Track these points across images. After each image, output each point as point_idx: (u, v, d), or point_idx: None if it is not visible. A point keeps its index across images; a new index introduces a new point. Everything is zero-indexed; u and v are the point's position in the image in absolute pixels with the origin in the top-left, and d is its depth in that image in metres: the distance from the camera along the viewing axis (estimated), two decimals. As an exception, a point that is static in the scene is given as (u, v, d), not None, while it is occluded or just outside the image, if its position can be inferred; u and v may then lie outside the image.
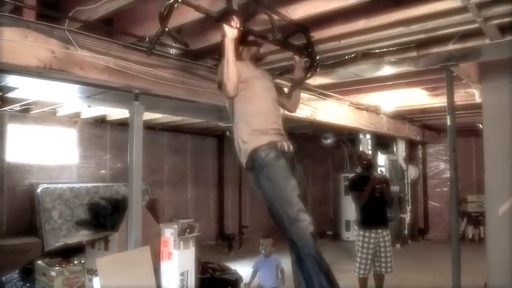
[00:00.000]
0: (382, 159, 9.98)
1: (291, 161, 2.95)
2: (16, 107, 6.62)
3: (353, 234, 7.76)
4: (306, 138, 10.64)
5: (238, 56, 3.01)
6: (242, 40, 3.02)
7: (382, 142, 9.72)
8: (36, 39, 3.36)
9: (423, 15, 3.28)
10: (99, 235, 4.14)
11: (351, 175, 6.40)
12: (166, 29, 2.53)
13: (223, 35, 2.73)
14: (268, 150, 2.83)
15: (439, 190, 10.94)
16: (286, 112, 3.55)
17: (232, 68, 2.72)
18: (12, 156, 7.18)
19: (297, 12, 3.25)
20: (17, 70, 3.55)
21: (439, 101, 6.49)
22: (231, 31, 2.72)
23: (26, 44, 3.31)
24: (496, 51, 4.08)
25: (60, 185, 7.40)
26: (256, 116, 2.96)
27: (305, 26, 3.32)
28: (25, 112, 7.10)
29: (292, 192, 2.75)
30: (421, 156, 11.24)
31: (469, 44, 3.85)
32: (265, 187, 2.82)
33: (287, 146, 2.95)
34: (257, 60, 3.22)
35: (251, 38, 3.15)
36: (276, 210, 2.78)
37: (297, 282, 2.82)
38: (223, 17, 2.68)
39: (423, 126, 10.11)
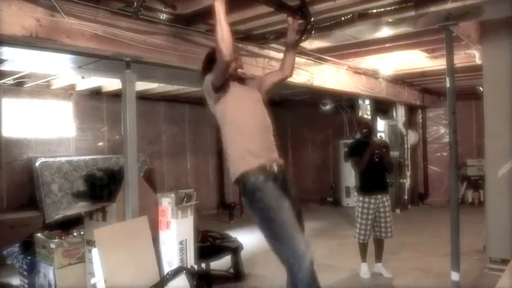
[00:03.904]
0: (381, 124, 9.93)
1: (283, 181, 2.84)
2: (9, 80, 6.53)
3: (353, 200, 7.78)
4: (304, 104, 10.55)
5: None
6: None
7: (382, 107, 9.64)
8: (21, 8, 3.25)
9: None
10: (97, 206, 4.14)
11: (351, 141, 6.35)
12: (152, -10, 2.42)
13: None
14: (258, 175, 2.74)
15: (438, 155, 10.92)
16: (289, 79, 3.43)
17: (226, 28, 2.57)
18: (8, 130, 7.12)
19: (289, -30, 3.13)
20: (3, 40, 3.45)
21: (438, 63, 6.38)
22: (220, -8, 2.61)
23: (10, 12, 3.20)
24: (497, 9, 3.96)
25: (58, 159, 7.39)
26: (243, 133, 2.83)
27: (298, -15, 3.19)
28: (19, 86, 7.00)
29: (287, 213, 2.66)
30: (420, 120, 11.15)
31: (469, 1, 3.71)
32: (259, 211, 2.74)
33: (278, 167, 2.84)
34: (238, 80, 3.01)
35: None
36: (272, 234, 2.71)
37: None
38: (212, -24, 2.56)
39: (423, 90, 10.00)
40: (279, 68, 3.40)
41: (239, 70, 3.02)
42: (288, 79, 3.41)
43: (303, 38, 3.38)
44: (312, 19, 3.37)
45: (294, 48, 3.31)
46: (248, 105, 2.93)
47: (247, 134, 2.84)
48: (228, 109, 2.86)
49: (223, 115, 2.88)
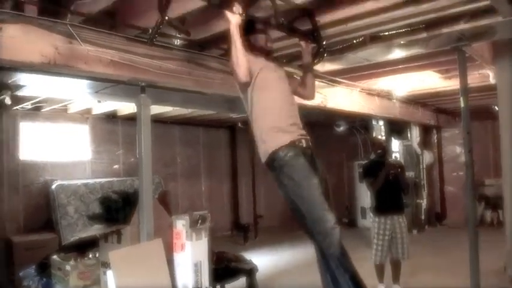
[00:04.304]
0: (396, 144, 9.85)
1: (311, 157, 2.88)
2: (27, 105, 6.66)
3: (369, 221, 7.68)
4: (318, 126, 10.50)
5: (247, 49, 2.92)
6: (247, 31, 2.95)
7: (396, 128, 9.59)
8: (39, 35, 3.34)
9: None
10: (112, 229, 4.16)
11: (365, 162, 6.31)
12: (166, 18, 2.49)
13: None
14: (287, 150, 2.77)
15: (455, 174, 10.75)
16: (303, 101, 3.48)
17: (241, 53, 2.67)
18: (25, 154, 7.24)
19: (300, -4, 3.17)
20: (21, 67, 3.54)
21: (452, 83, 6.34)
22: (234, 17, 2.68)
23: (29, 40, 3.29)
24: (509, 29, 3.94)
25: (74, 181, 7.46)
26: (272, 111, 2.88)
27: (309, 10, 3.24)
28: (36, 110, 7.16)
29: (315, 191, 2.71)
30: (436, 140, 11.06)
31: (481, 22, 3.72)
32: (287, 187, 2.77)
33: (306, 142, 2.89)
34: (266, 53, 3.10)
35: (256, 29, 3.05)
36: (300, 210, 2.74)
37: (324, 280, 2.79)
38: (225, 3, 2.63)
39: (437, 110, 9.93)
40: (299, 84, 3.43)
41: (268, 44, 3.10)
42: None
43: (315, 61, 3.42)
44: (324, 42, 3.41)
45: (310, 70, 3.35)
46: (276, 85, 2.98)
47: (277, 112, 2.89)
48: (257, 90, 2.89)
49: (252, 96, 2.91)
